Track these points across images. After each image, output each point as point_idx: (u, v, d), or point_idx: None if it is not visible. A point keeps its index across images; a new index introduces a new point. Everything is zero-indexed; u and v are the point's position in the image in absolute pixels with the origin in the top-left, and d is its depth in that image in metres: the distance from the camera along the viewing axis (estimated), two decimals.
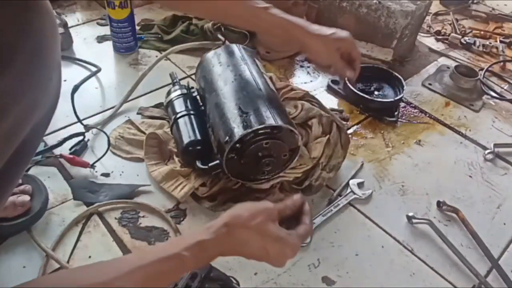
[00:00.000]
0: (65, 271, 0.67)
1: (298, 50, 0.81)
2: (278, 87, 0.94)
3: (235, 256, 0.73)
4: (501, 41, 1.39)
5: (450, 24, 1.47)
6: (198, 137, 0.82)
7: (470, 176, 0.94)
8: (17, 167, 0.50)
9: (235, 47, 0.91)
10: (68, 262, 0.70)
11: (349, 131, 1.01)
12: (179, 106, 0.88)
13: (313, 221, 0.79)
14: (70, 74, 1.05)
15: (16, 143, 0.45)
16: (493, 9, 1.59)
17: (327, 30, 0.81)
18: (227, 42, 1.14)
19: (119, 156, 0.88)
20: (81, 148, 0.88)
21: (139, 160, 0.87)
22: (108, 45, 1.17)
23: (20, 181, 0.76)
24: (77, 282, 0.48)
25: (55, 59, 0.48)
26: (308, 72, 1.19)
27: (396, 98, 1.08)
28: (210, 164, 0.78)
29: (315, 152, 0.85)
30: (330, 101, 1.10)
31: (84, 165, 0.84)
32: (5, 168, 0.45)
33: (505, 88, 1.22)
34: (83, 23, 1.25)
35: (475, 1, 1.60)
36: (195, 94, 0.92)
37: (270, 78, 0.92)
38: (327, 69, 0.87)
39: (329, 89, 1.14)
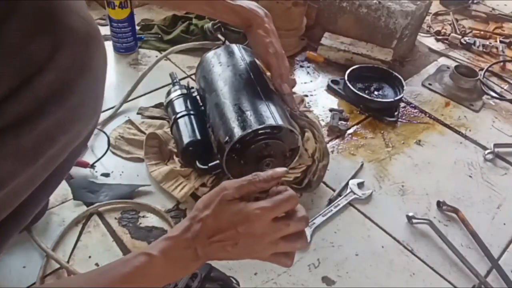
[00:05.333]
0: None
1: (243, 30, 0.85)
2: None
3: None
4: (501, 41, 1.39)
5: (450, 24, 1.47)
6: (198, 137, 0.82)
7: (470, 176, 0.94)
8: (46, 190, 0.50)
9: (235, 47, 0.91)
10: (68, 262, 0.70)
11: (349, 131, 1.01)
12: (179, 106, 0.88)
13: (313, 221, 0.80)
14: None
15: (52, 168, 0.46)
16: (493, 9, 1.59)
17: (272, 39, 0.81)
18: (227, 42, 1.14)
19: (119, 156, 0.88)
20: None
21: (139, 160, 0.87)
22: (108, 45, 1.17)
23: None
24: None
25: (103, 92, 0.48)
26: (308, 72, 1.19)
27: (396, 98, 1.08)
28: (210, 164, 0.78)
29: (311, 150, 0.85)
30: (330, 101, 1.10)
31: (84, 165, 0.84)
32: (35, 190, 0.45)
33: (505, 88, 1.22)
34: None
35: (475, 1, 1.60)
36: (195, 94, 0.92)
37: (270, 78, 0.92)
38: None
39: (329, 89, 1.14)
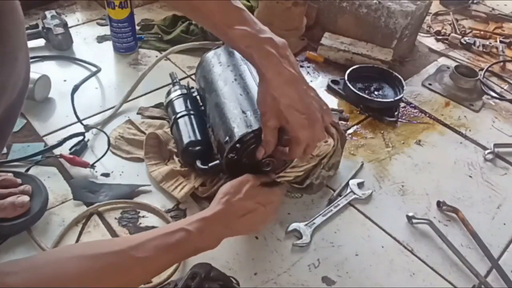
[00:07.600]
0: (75, 244, 0.70)
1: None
2: None
3: (235, 257, 0.73)
4: (501, 41, 1.39)
5: (450, 24, 1.47)
6: (198, 137, 0.82)
7: (470, 176, 0.94)
8: None
9: None
10: None
11: (349, 131, 1.01)
12: (179, 106, 0.88)
13: (313, 221, 0.80)
14: (70, 74, 1.05)
15: None
16: (493, 9, 1.59)
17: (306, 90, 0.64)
18: None
19: (119, 156, 0.88)
20: (81, 148, 0.88)
21: (139, 160, 0.87)
22: (108, 45, 1.17)
23: (20, 181, 0.76)
24: (92, 250, 0.52)
25: (19, 38, 0.48)
26: (308, 72, 1.19)
27: (396, 98, 1.08)
28: (210, 164, 0.78)
29: (317, 150, 0.85)
30: (330, 101, 1.10)
31: (84, 165, 0.84)
32: None
33: (505, 88, 1.22)
34: (83, 23, 1.25)
35: (475, 1, 1.60)
36: (195, 94, 0.92)
37: None
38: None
39: (329, 89, 1.14)
